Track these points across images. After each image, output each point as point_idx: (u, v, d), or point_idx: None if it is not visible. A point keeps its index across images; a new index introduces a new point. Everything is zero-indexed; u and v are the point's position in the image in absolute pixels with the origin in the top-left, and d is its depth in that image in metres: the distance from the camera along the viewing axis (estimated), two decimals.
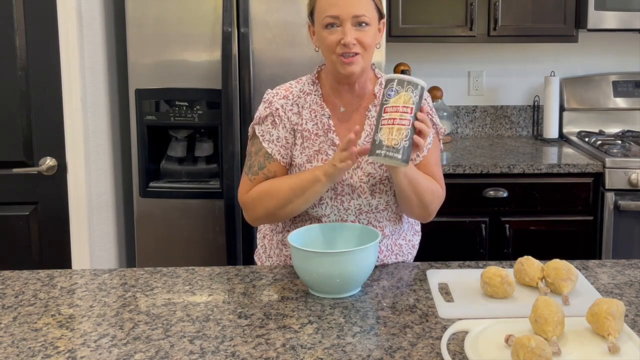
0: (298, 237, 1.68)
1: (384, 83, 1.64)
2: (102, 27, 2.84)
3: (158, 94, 2.77)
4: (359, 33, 1.72)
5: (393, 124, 1.57)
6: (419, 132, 1.61)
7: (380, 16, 1.79)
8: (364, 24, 1.72)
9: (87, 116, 2.85)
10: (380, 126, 1.58)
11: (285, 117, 1.82)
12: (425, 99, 1.66)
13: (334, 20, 1.72)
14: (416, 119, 1.60)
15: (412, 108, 1.58)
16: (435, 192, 1.81)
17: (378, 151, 1.57)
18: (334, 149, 1.79)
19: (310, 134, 1.81)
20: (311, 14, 1.80)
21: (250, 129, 1.89)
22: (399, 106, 1.58)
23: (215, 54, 2.73)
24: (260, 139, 1.83)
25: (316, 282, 1.57)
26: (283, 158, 1.82)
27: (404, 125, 1.57)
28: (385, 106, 1.59)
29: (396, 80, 1.60)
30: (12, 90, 2.79)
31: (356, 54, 1.73)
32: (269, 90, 1.88)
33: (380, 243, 1.81)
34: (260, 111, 1.85)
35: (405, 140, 1.57)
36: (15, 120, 2.81)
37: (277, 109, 1.82)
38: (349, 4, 1.71)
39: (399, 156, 1.57)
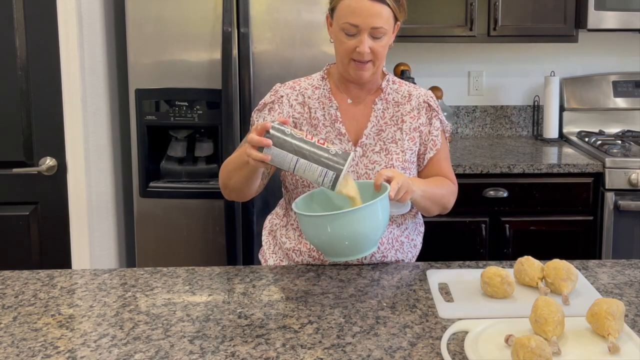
0: (304, 202, 1.69)
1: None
2: (102, 27, 2.84)
3: (158, 94, 2.77)
4: (374, 43, 1.77)
5: None
6: None
7: (396, 20, 1.82)
8: (380, 35, 1.77)
9: (87, 116, 2.85)
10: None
11: (288, 104, 1.89)
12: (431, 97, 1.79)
13: (352, 28, 1.76)
14: None
15: None
16: (450, 192, 1.91)
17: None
18: (340, 138, 1.86)
19: (318, 122, 1.87)
20: (332, 9, 1.82)
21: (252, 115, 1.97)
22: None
23: (215, 54, 2.73)
24: (256, 123, 1.89)
25: (327, 247, 1.58)
26: None
27: None
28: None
29: None
30: (12, 90, 2.79)
31: (369, 61, 1.79)
32: (279, 83, 1.96)
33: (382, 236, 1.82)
34: (266, 98, 1.93)
35: None
36: (15, 120, 2.81)
37: (282, 96, 1.90)
38: (369, 14, 1.74)
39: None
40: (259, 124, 1.60)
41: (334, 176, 1.58)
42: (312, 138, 1.60)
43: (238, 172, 1.75)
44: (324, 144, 1.60)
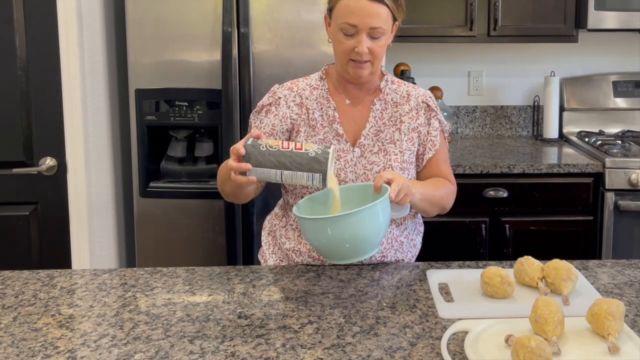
0: (304, 205, 1.69)
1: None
2: (102, 27, 2.84)
3: (158, 94, 2.77)
4: (372, 43, 1.77)
5: None
6: None
7: (394, 20, 1.82)
8: (379, 35, 1.77)
9: (87, 116, 2.85)
10: None
11: (285, 105, 1.89)
12: (430, 98, 1.84)
13: (350, 28, 1.76)
14: None
15: None
16: (449, 193, 1.92)
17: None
18: (338, 139, 1.86)
19: (316, 122, 1.87)
20: (330, 9, 1.83)
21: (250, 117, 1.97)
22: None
23: (215, 54, 2.73)
24: (253, 126, 1.92)
25: (328, 250, 1.58)
26: None
27: None
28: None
29: None
30: (12, 90, 2.79)
31: (367, 61, 1.79)
32: (277, 84, 1.96)
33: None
34: (263, 100, 1.93)
35: None
36: (15, 120, 2.80)
37: (279, 97, 1.90)
38: (368, 15, 1.74)
39: None
40: (234, 149, 1.61)
41: (320, 177, 1.59)
42: (288, 146, 1.60)
43: (228, 182, 1.75)
44: (301, 148, 1.60)
